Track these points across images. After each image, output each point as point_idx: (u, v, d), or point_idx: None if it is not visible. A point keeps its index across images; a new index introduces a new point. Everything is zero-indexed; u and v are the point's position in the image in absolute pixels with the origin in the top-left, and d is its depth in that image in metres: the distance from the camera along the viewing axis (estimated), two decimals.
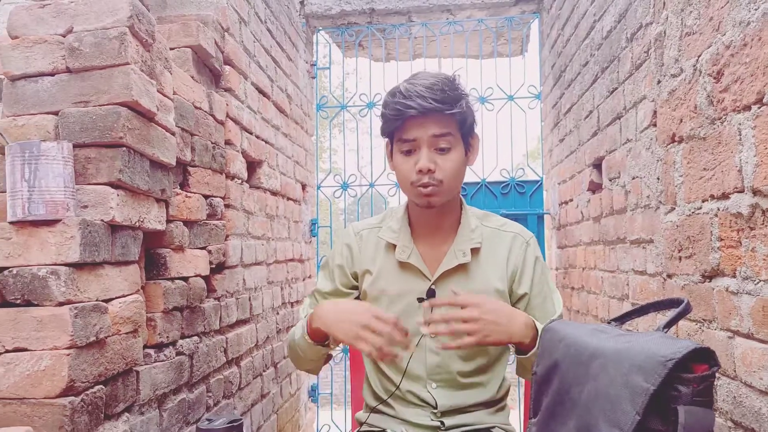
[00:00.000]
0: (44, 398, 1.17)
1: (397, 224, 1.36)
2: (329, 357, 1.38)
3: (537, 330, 1.19)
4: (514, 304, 1.33)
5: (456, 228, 1.34)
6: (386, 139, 1.33)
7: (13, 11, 1.41)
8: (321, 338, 1.27)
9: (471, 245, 1.31)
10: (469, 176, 3.53)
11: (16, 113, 1.37)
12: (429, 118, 1.22)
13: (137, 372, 1.46)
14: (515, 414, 3.51)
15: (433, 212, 1.30)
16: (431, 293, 1.29)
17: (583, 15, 2.44)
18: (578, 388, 0.91)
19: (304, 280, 3.32)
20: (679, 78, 1.40)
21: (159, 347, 1.59)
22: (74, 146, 1.33)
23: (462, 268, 1.31)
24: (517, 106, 3.50)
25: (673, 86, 1.44)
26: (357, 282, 1.40)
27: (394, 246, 1.34)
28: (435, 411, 1.31)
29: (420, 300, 1.29)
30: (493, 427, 1.33)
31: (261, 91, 2.56)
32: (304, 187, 3.37)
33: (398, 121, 1.24)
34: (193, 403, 1.78)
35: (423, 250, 1.34)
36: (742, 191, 1.11)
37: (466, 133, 1.28)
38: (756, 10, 1.04)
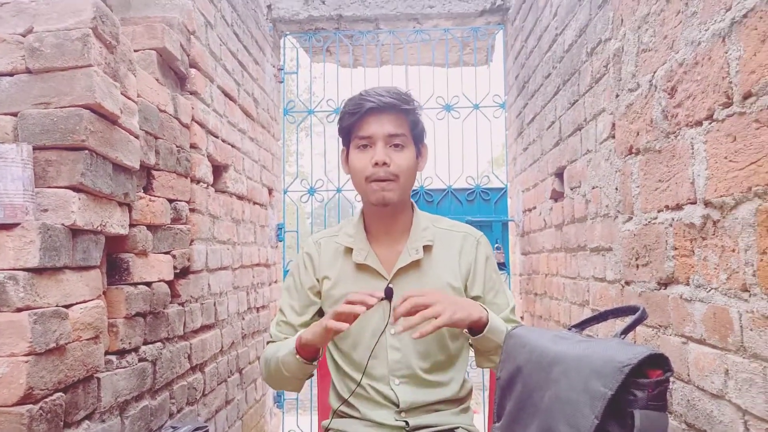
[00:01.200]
0: (1, 406, 1.13)
1: (353, 229, 1.43)
2: (311, 375, 1.41)
3: (486, 310, 1.27)
4: None
5: (409, 229, 1.42)
6: (342, 147, 1.45)
7: None
8: (311, 356, 1.31)
9: (423, 242, 1.39)
10: (436, 183, 3.57)
11: None
12: (385, 115, 1.33)
13: (98, 379, 1.43)
14: (480, 418, 3.55)
15: (387, 214, 1.38)
16: (389, 291, 1.32)
17: (546, 28, 2.50)
18: (540, 392, 0.94)
19: (270, 284, 3.30)
20: (636, 92, 1.46)
21: (121, 353, 1.56)
22: (34, 148, 1.30)
23: (416, 265, 1.38)
24: (482, 114, 3.56)
25: (631, 100, 1.50)
26: (320, 286, 1.45)
27: (351, 250, 1.40)
28: (399, 410, 1.32)
29: (381, 299, 1.32)
30: (457, 427, 1.36)
31: (227, 95, 2.54)
32: (270, 191, 3.35)
33: (356, 116, 1.33)
34: (156, 410, 1.75)
35: (379, 251, 1.40)
36: (695, 203, 1.16)
37: (417, 137, 1.39)
38: (706, 30, 1.09)
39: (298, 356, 1.30)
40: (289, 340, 1.37)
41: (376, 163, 1.31)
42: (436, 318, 1.16)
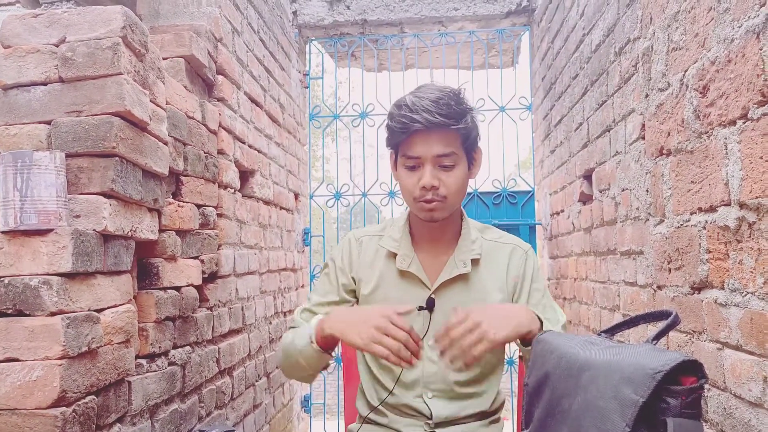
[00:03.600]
0: (36, 409, 1.16)
1: (398, 233, 1.38)
2: (327, 365, 1.36)
3: (540, 319, 1.17)
4: None
5: (456, 239, 1.36)
6: (391, 151, 1.35)
7: (6, 20, 1.41)
8: (330, 346, 1.25)
9: (471, 256, 1.33)
10: None
11: (8, 122, 1.37)
12: (433, 134, 1.23)
13: (129, 382, 1.45)
14: (509, 425, 3.51)
15: (435, 224, 1.32)
16: (431, 302, 1.30)
17: (573, 28, 2.47)
18: (569, 399, 0.92)
19: (296, 289, 3.32)
20: (667, 92, 1.43)
21: (151, 357, 1.59)
22: (67, 156, 1.33)
23: (462, 278, 1.32)
24: (508, 117, 3.53)
25: (661, 100, 1.47)
26: (356, 286, 1.40)
27: (395, 255, 1.35)
28: (429, 422, 1.31)
29: (420, 309, 1.30)
30: None
31: (254, 101, 2.57)
32: (296, 196, 3.37)
33: (403, 135, 1.25)
34: (185, 413, 1.77)
35: (423, 259, 1.35)
36: (729, 204, 1.13)
37: (469, 147, 1.30)
38: (739, 27, 1.06)
39: (315, 345, 1.23)
40: (305, 328, 1.28)
41: (424, 187, 1.24)
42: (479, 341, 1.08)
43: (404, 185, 1.30)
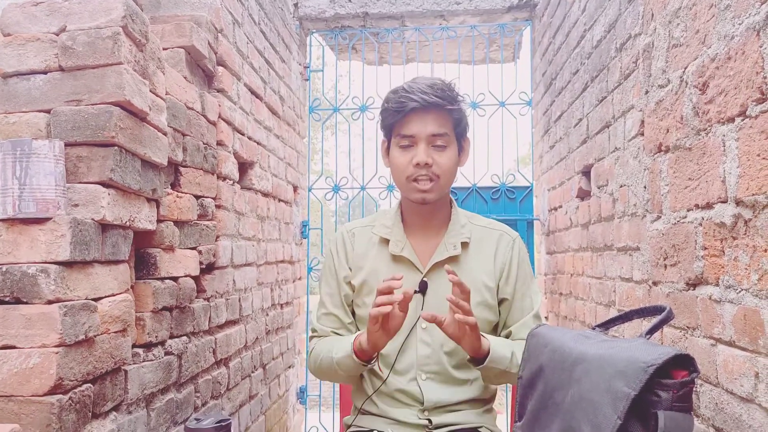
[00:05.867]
0: (32, 396, 1.17)
1: (390, 221, 1.43)
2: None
3: (486, 352, 1.26)
4: (498, 303, 1.40)
5: (446, 223, 1.41)
6: (383, 139, 1.41)
7: (6, 9, 1.41)
8: (369, 357, 1.31)
9: (461, 239, 1.38)
10: (461, 181, 3.55)
11: (8, 111, 1.37)
12: (429, 114, 1.30)
13: (126, 371, 1.46)
14: (502, 418, 3.53)
15: (426, 208, 1.37)
16: (423, 285, 1.34)
17: (574, 24, 2.47)
18: (562, 392, 0.93)
19: (294, 281, 3.33)
20: (666, 89, 1.43)
21: (148, 347, 1.59)
22: (66, 145, 1.33)
23: (452, 260, 1.37)
24: (508, 112, 3.52)
25: (661, 97, 1.47)
26: (353, 276, 1.44)
27: (388, 241, 1.40)
28: (422, 408, 1.32)
29: (415, 292, 1.32)
30: (480, 426, 1.35)
31: (254, 93, 2.56)
32: (295, 188, 3.38)
33: (400, 114, 1.31)
34: (181, 403, 1.78)
35: (415, 244, 1.40)
36: (725, 201, 1.13)
37: (460, 134, 1.36)
38: (740, 24, 1.06)
39: (356, 358, 1.30)
40: (344, 341, 1.35)
41: (418, 164, 1.30)
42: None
43: (397, 165, 1.34)
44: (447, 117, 1.32)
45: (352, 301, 1.44)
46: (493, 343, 1.27)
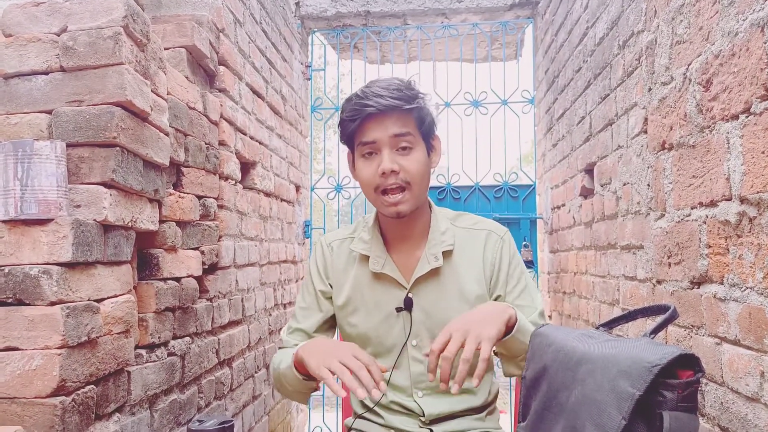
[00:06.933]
0: (35, 398, 1.17)
1: (368, 234, 1.34)
2: (315, 388, 1.33)
3: (513, 308, 1.15)
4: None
5: (428, 232, 1.32)
6: (348, 151, 1.31)
7: (7, 9, 1.41)
8: (307, 372, 1.20)
9: (442, 248, 1.29)
10: (463, 180, 3.55)
11: (9, 111, 1.37)
12: (388, 117, 1.21)
13: (129, 372, 1.46)
14: (506, 418, 3.52)
15: (403, 219, 1.27)
16: (408, 302, 1.28)
17: (577, 21, 2.46)
18: (566, 392, 0.92)
19: (296, 281, 3.32)
20: (670, 86, 1.42)
21: (151, 348, 1.59)
22: (67, 145, 1.33)
23: (435, 272, 1.29)
24: (510, 110, 3.51)
25: (664, 94, 1.46)
26: (333, 292, 1.38)
27: (368, 257, 1.32)
28: (423, 419, 1.31)
29: (398, 310, 1.28)
30: (485, 431, 1.33)
31: (255, 92, 2.56)
32: (297, 188, 3.37)
33: (356, 122, 1.22)
34: (184, 403, 1.77)
35: (397, 259, 1.32)
36: (729, 199, 1.12)
37: (426, 133, 1.27)
38: (744, 20, 1.05)
39: (296, 372, 1.22)
40: (289, 352, 1.28)
41: (384, 173, 1.20)
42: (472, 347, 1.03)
43: (363, 178, 1.25)
44: (408, 117, 1.23)
45: (334, 316, 1.38)
46: (519, 314, 1.16)
